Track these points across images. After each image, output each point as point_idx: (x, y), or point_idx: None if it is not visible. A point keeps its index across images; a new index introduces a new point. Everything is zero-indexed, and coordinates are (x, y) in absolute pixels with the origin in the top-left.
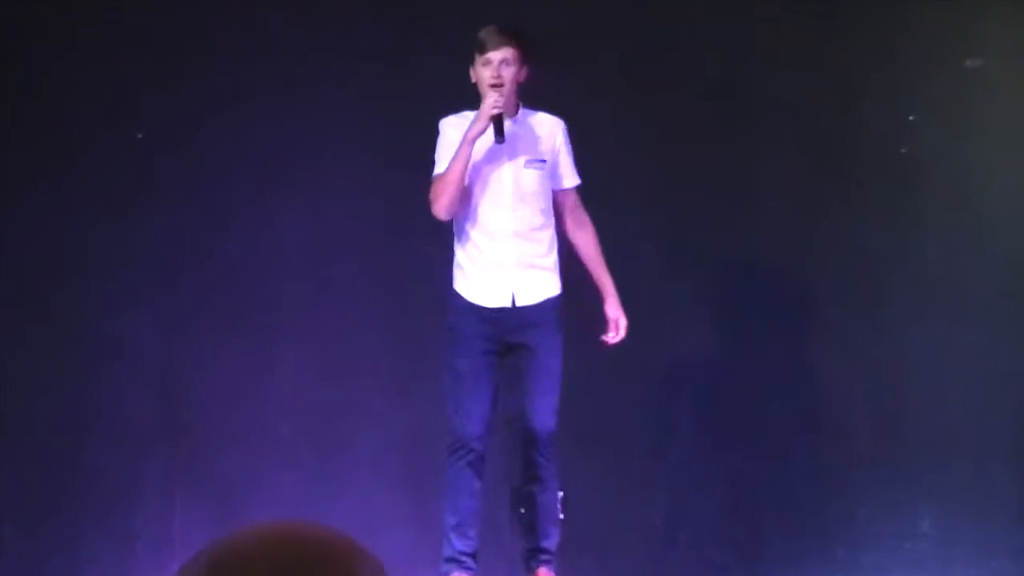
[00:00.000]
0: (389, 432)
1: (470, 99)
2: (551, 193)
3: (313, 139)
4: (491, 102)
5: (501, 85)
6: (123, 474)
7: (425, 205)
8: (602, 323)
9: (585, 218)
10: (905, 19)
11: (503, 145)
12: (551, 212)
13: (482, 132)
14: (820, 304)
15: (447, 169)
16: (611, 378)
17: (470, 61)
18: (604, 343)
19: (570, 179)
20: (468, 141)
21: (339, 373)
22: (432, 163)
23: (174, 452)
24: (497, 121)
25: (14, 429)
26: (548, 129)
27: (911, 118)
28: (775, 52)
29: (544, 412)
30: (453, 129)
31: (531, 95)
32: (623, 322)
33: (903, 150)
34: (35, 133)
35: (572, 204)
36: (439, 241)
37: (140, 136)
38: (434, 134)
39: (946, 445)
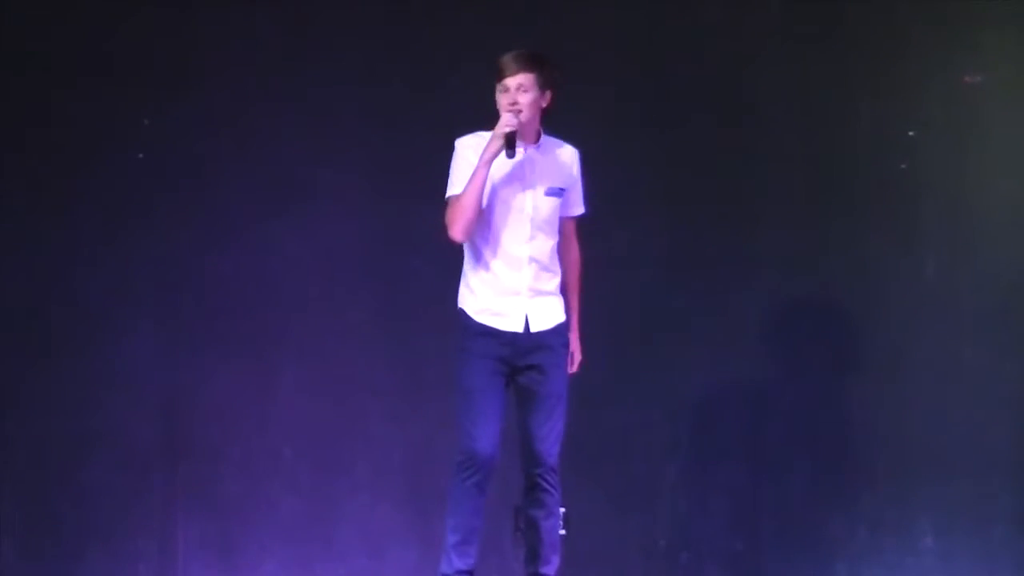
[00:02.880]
0: (390, 453)
1: (472, 115)
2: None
3: (313, 159)
4: (504, 122)
5: (518, 111)
6: (124, 496)
7: (426, 224)
8: (599, 342)
9: (576, 249)
10: (904, 36)
11: (526, 171)
12: (557, 237)
13: (497, 153)
14: (820, 320)
15: (464, 192)
16: (612, 396)
17: (473, 79)
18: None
19: (578, 208)
20: (484, 163)
21: (340, 394)
22: (444, 182)
23: (175, 474)
24: (508, 138)
25: (16, 451)
26: (566, 157)
27: (911, 134)
28: (775, 69)
29: (551, 439)
30: (469, 150)
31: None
32: (577, 357)
33: (903, 166)
34: (34, 156)
35: (569, 232)
36: (440, 260)
37: (140, 156)
38: (433, 151)
39: (947, 460)
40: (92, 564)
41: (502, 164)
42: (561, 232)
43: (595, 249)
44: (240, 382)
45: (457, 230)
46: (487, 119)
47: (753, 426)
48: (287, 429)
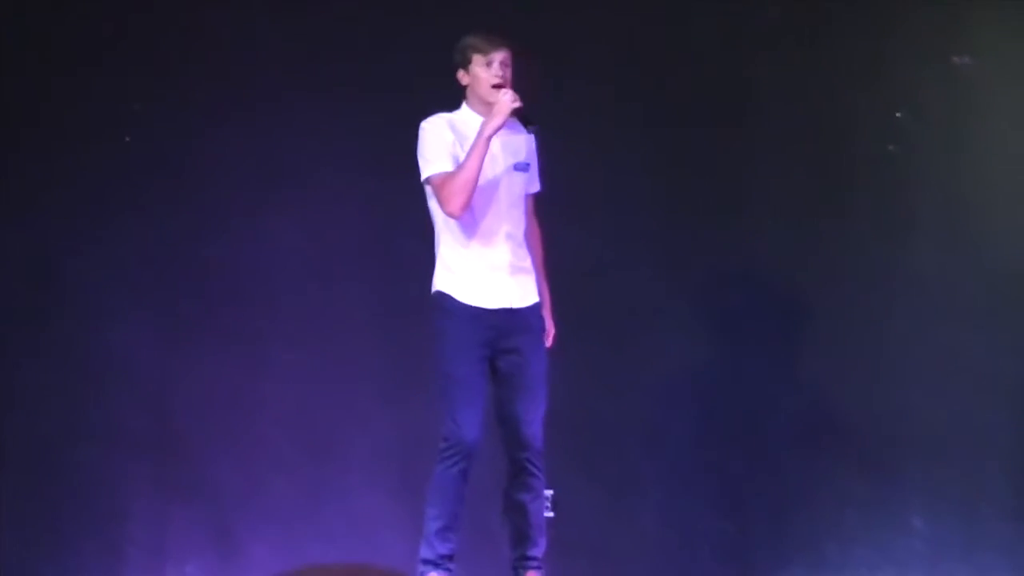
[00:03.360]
0: (382, 438)
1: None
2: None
3: (303, 147)
4: (509, 97)
5: (504, 85)
6: (116, 481)
7: (420, 211)
8: (589, 331)
9: (536, 227)
10: (892, 16)
11: (498, 149)
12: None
13: (499, 128)
14: (809, 305)
15: (464, 167)
16: (602, 383)
17: (454, 66)
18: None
19: (536, 184)
20: (485, 138)
21: (331, 380)
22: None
23: (167, 459)
24: (520, 113)
25: (6, 437)
26: (524, 135)
27: (898, 115)
28: (762, 52)
29: (537, 422)
30: (446, 127)
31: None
32: (552, 332)
33: (891, 147)
34: (25, 144)
35: (531, 209)
36: (433, 247)
37: (127, 139)
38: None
39: (936, 443)
40: (82, 549)
41: (470, 141)
42: (526, 213)
43: (589, 237)
44: (233, 369)
45: (457, 205)
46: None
47: (744, 410)
48: (279, 415)
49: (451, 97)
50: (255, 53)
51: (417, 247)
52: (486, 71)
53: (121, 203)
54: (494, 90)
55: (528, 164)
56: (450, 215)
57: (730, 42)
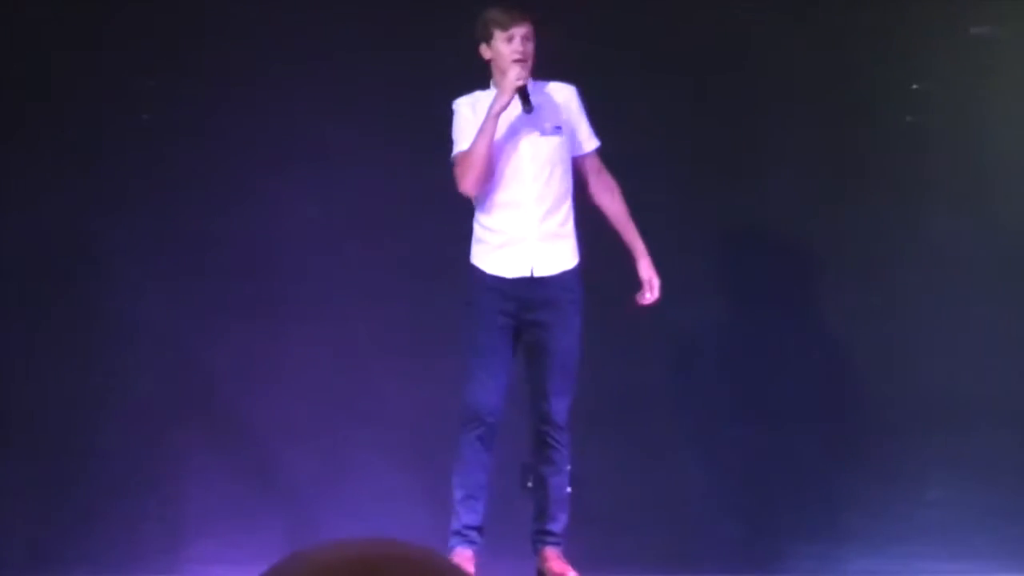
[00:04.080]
0: (401, 413)
1: (476, 81)
2: (571, 160)
3: (320, 122)
4: (514, 75)
5: (525, 60)
6: (135, 457)
7: (436, 183)
8: (615, 295)
9: (610, 181)
10: None
11: (521, 116)
12: (570, 180)
13: (506, 106)
14: (828, 274)
15: (473, 145)
16: (620, 353)
17: (476, 40)
18: (638, 303)
19: (589, 142)
20: (493, 116)
21: (350, 355)
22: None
23: (186, 435)
24: (522, 92)
25: (26, 413)
26: (562, 96)
27: (915, 87)
28: (778, 22)
29: (557, 397)
30: (468, 108)
31: (545, 69)
32: (656, 282)
33: (909, 119)
34: (39, 119)
35: (595, 168)
36: (449, 220)
37: (145, 117)
38: (439, 115)
39: (954, 413)
40: (102, 525)
41: (503, 114)
42: (586, 172)
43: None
44: (250, 344)
45: (468, 184)
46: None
47: (762, 381)
48: (299, 390)
49: (468, 70)
50: (272, 27)
51: (434, 219)
52: (507, 46)
53: (138, 179)
54: (514, 64)
55: (559, 127)
56: (464, 193)
57: (747, 14)
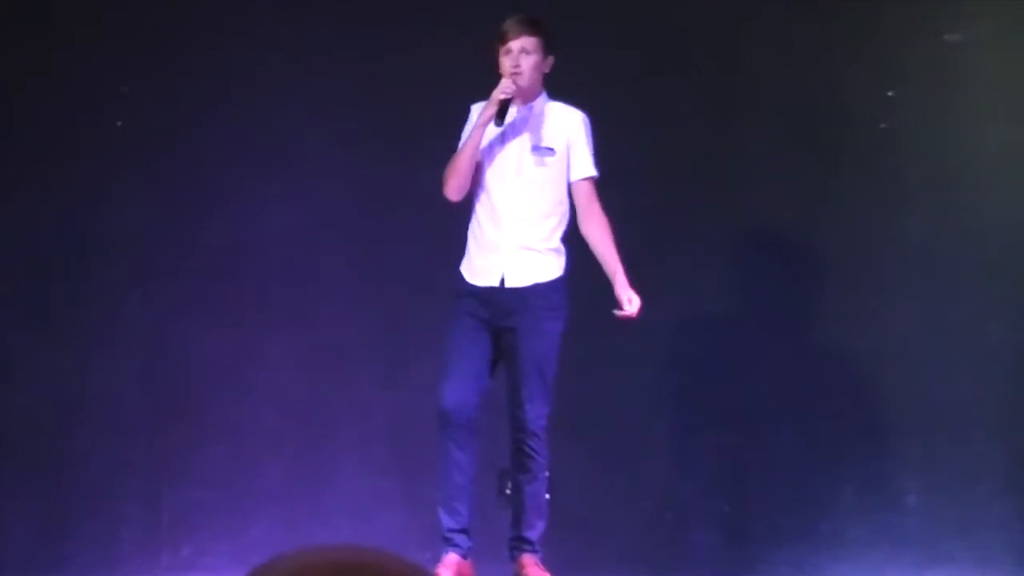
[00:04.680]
0: (376, 419)
1: (457, 88)
2: (564, 183)
3: (298, 127)
4: (501, 87)
5: (519, 73)
6: (110, 462)
7: (415, 190)
8: (592, 300)
9: (596, 212)
10: None
11: (514, 130)
12: (562, 201)
13: (491, 117)
14: (804, 279)
15: (459, 152)
16: (596, 360)
17: (468, 46)
18: (617, 318)
19: (580, 171)
20: (479, 126)
21: (325, 361)
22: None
23: (161, 440)
24: (503, 105)
25: (6, 416)
26: (564, 120)
27: (890, 94)
28: (753, 29)
29: (530, 404)
30: (472, 115)
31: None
32: (633, 298)
33: (883, 125)
34: (14, 125)
35: (584, 196)
36: (428, 226)
37: (119, 124)
38: (423, 117)
39: (930, 419)
40: (76, 529)
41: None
42: (577, 200)
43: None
44: (226, 348)
45: (449, 188)
46: (480, 86)
47: (737, 387)
48: (273, 395)
49: (454, 76)
50: (247, 34)
51: (412, 230)
52: (505, 58)
53: (114, 186)
54: (510, 77)
55: (552, 149)
56: (446, 197)
57: (721, 20)
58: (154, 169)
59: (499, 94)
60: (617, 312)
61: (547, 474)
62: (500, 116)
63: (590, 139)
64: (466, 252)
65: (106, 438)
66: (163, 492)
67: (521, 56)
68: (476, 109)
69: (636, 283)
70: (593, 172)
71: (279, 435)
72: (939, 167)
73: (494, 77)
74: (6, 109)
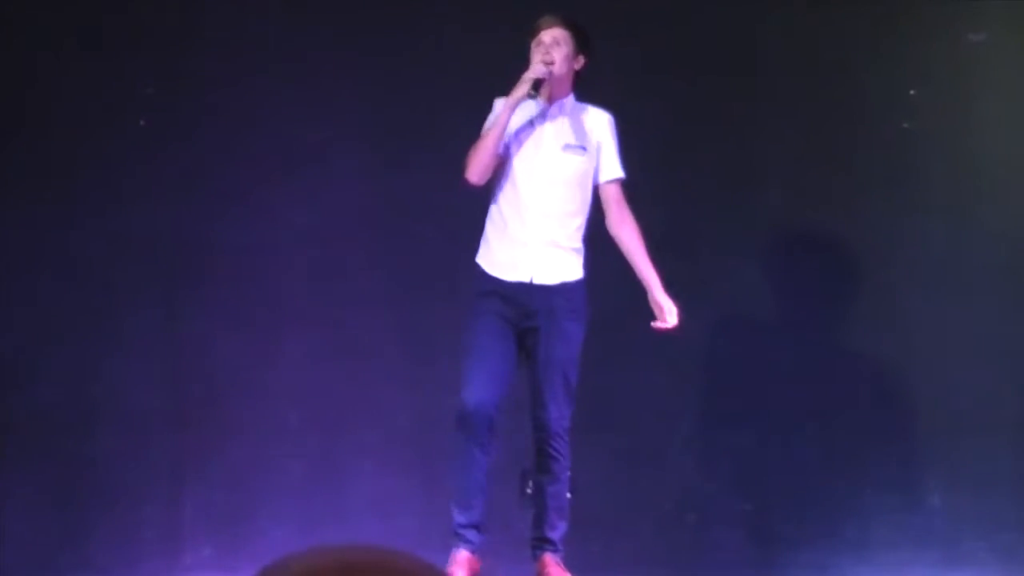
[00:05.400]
0: (395, 419)
1: (477, 87)
2: (591, 184)
3: (315, 128)
4: (533, 69)
5: (551, 62)
6: (131, 464)
7: (434, 189)
8: (613, 301)
9: (627, 215)
10: None
11: (545, 127)
12: (587, 201)
13: (522, 98)
14: (824, 280)
15: (484, 135)
16: (619, 361)
17: (484, 43)
18: (655, 330)
19: (609, 172)
20: (509, 107)
21: (345, 361)
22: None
23: (181, 442)
24: (536, 83)
25: (21, 420)
26: (594, 120)
27: (912, 92)
28: (774, 28)
29: (553, 405)
30: (496, 105)
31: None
32: (669, 307)
33: (905, 125)
34: (36, 124)
35: (614, 199)
36: (447, 226)
37: (142, 123)
38: (441, 116)
39: (953, 420)
40: (99, 531)
41: (523, 118)
42: (607, 202)
43: (599, 214)
44: (246, 349)
45: (472, 172)
46: (502, 86)
47: (760, 387)
48: (293, 395)
49: (467, 76)
50: (269, 35)
51: (430, 229)
52: (536, 49)
53: (133, 182)
54: (540, 65)
55: (583, 148)
56: (468, 181)
57: (742, 20)
58: (177, 169)
59: (531, 74)
60: (655, 324)
61: (569, 474)
62: (535, 89)
63: (618, 140)
64: (484, 244)
65: (128, 439)
66: (184, 493)
67: (553, 47)
68: (499, 103)
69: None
70: (622, 174)
71: (300, 436)
72: (962, 167)
73: (515, 77)
74: (30, 109)
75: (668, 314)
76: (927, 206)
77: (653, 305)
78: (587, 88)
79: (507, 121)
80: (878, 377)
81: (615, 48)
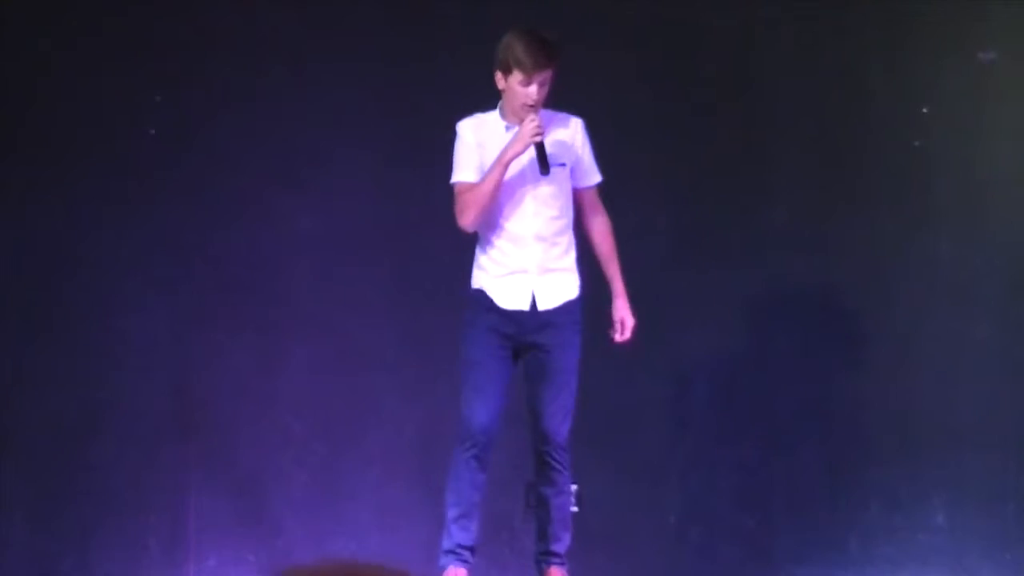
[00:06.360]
0: (400, 428)
1: (478, 97)
2: (571, 192)
3: (321, 136)
4: (532, 128)
5: (536, 106)
6: (136, 472)
7: (439, 200)
8: (608, 320)
9: (601, 215)
10: (918, 11)
11: (526, 154)
12: (571, 211)
13: (519, 154)
14: (831, 298)
15: (480, 187)
16: (622, 375)
17: (488, 56)
18: (611, 340)
19: (590, 177)
20: (503, 163)
21: (350, 370)
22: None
23: (187, 450)
24: (540, 149)
25: (26, 427)
26: (569, 130)
27: (924, 111)
28: (785, 46)
29: (558, 417)
30: (470, 133)
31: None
32: (629, 322)
33: (916, 143)
34: (43, 131)
35: (592, 202)
36: (452, 236)
37: (152, 132)
38: (440, 131)
39: (958, 438)
40: (102, 539)
41: (502, 144)
42: (583, 205)
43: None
44: (251, 357)
45: (467, 220)
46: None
47: (764, 403)
48: (298, 404)
49: (470, 87)
50: (273, 45)
51: (436, 237)
52: (523, 90)
53: (142, 190)
54: (525, 108)
55: (565, 164)
56: (462, 227)
57: (754, 38)
58: (184, 176)
59: (530, 136)
60: (613, 335)
61: (574, 487)
62: (543, 164)
63: (591, 143)
64: (483, 272)
65: (132, 447)
66: (189, 502)
67: (540, 89)
68: (464, 128)
69: (658, 298)
70: (600, 178)
71: (305, 445)
72: (971, 185)
73: None
74: (39, 117)
75: (627, 330)
76: (936, 223)
77: (615, 314)
78: (599, 99)
79: (502, 175)
80: (883, 392)
81: (622, 62)
